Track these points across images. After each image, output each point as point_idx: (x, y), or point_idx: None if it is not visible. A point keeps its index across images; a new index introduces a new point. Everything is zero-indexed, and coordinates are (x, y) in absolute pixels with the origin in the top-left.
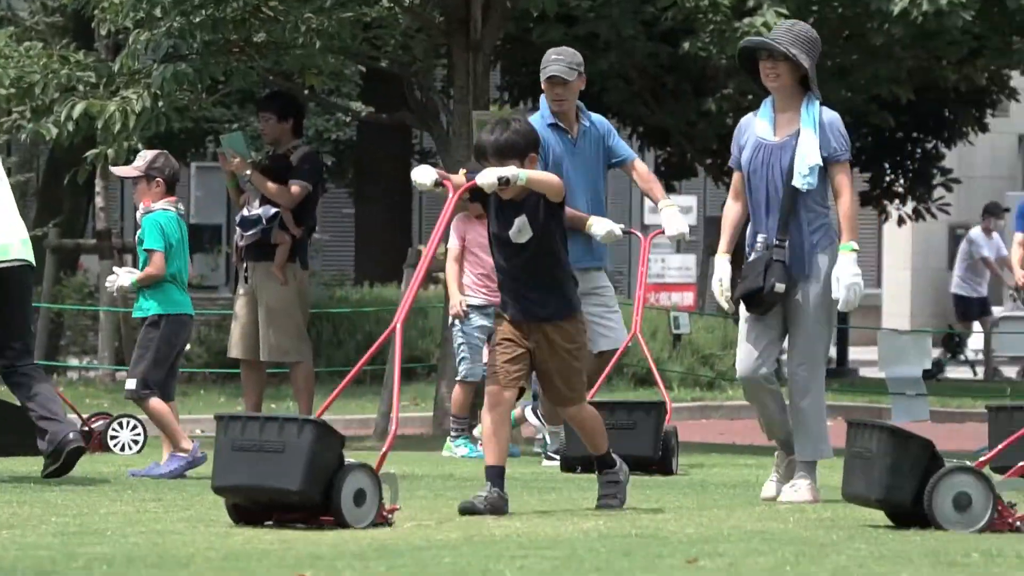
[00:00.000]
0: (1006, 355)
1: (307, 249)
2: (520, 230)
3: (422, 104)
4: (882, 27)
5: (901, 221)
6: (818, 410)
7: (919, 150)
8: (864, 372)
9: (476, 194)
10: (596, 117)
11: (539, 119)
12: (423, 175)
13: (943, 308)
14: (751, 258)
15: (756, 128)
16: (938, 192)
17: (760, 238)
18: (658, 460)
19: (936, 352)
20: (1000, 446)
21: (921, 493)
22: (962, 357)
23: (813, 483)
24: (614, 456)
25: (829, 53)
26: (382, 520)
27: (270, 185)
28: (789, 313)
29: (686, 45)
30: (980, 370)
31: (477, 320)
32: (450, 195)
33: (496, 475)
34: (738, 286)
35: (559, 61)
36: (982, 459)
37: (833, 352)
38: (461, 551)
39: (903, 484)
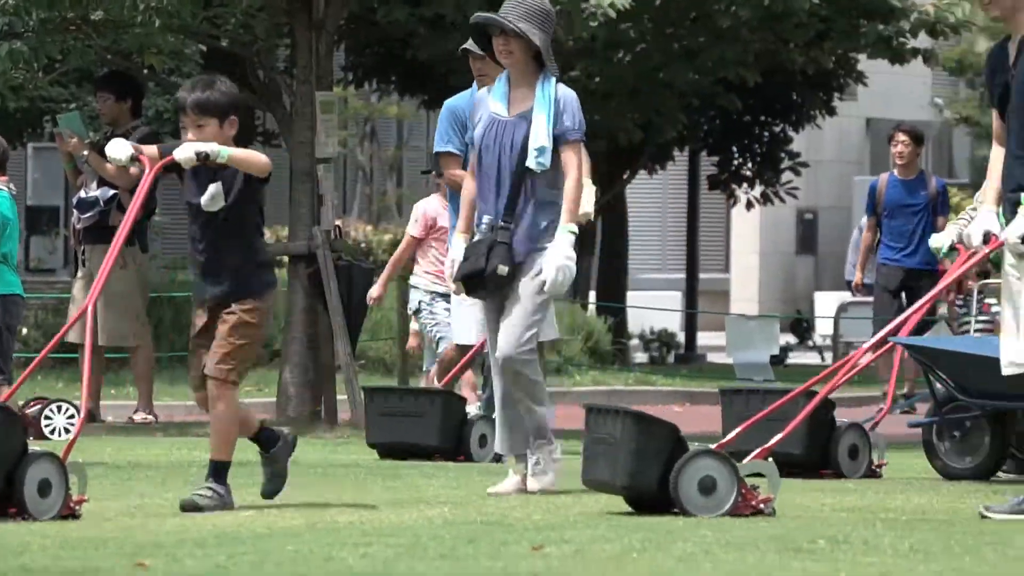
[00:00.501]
0: (853, 340)
1: (147, 232)
2: (213, 197)
3: (264, 84)
4: (729, 9)
5: (749, 205)
6: (540, 394)
7: (767, 133)
8: (712, 358)
9: (173, 166)
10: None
11: (468, 94)
12: (118, 150)
13: (791, 293)
14: (475, 239)
15: (490, 104)
16: (786, 176)
17: (486, 219)
18: (451, 449)
19: (784, 337)
20: (738, 429)
21: (666, 478)
22: (810, 342)
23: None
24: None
25: (676, 35)
26: (69, 512)
27: (108, 166)
28: (509, 296)
29: None
30: (828, 355)
31: (442, 303)
32: (147, 171)
33: (214, 471)
34: (459, 267)
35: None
36: (722, 441)
37: (681, 337)
38: (303, 538)
39: (648, 469)
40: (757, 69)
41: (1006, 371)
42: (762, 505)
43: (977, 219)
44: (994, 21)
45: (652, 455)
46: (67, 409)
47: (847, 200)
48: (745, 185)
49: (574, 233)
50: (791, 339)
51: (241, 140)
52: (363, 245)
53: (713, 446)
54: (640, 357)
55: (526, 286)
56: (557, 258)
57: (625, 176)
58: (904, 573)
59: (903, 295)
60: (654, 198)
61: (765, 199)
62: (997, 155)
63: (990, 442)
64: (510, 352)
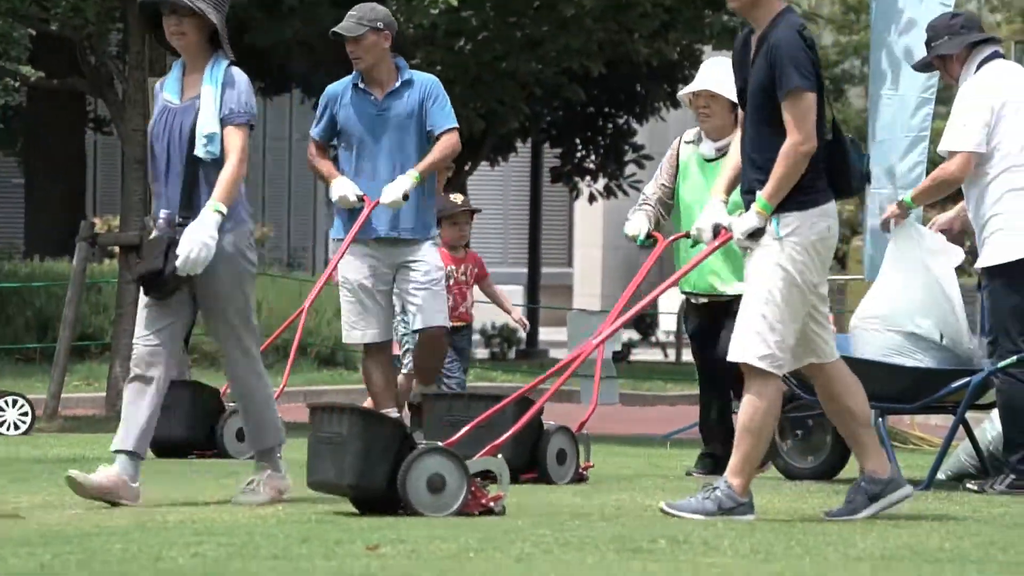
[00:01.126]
0: None
1: None
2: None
3: (96, 70)
4: None
5: (592, 198)
6: (266, 395)
7: (611, 125)
8: (554, 353)
9: None
10: (422, 78)
11: (347, 79)
12: None
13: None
14: (152, 235)
15: (163, 92)
16: (630, 169)
17: (163, 213)
18: (201, 442)
19: (626, 333)
20: (465, 429)
21: (395, 476)
22: (653, 339)
23: (276, 474)
24: None
25: (519, 24)
26: None
27: None
28: (200, 294)
29: None
30: (671, 351)
31: None
32: None
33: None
34: (136, 266)
35: (350, 17)
36: (450, 440)
37: (522, 333)
38: (132, 537)
39: (375, 468)
40: (601, 60)
41: (733, 357)
42: (492, 504)
43: (706, 212)
44: (732, 13)
45: (379, 454)
46: (20, 404)
47: None
48: (588, 178)
49: (221, 213)
50: (634, 335)
51: (78, 127)
52: None
53: (442, 444)
54: (481, 353)
55: (226, 282)
56: (197, 235)
57: (466, 167)
58: (744, 574)
59: None
60: (495, 190)
61: (608, 192)
62: (735, 146)
63: (832, 441)
64: (238, 347)
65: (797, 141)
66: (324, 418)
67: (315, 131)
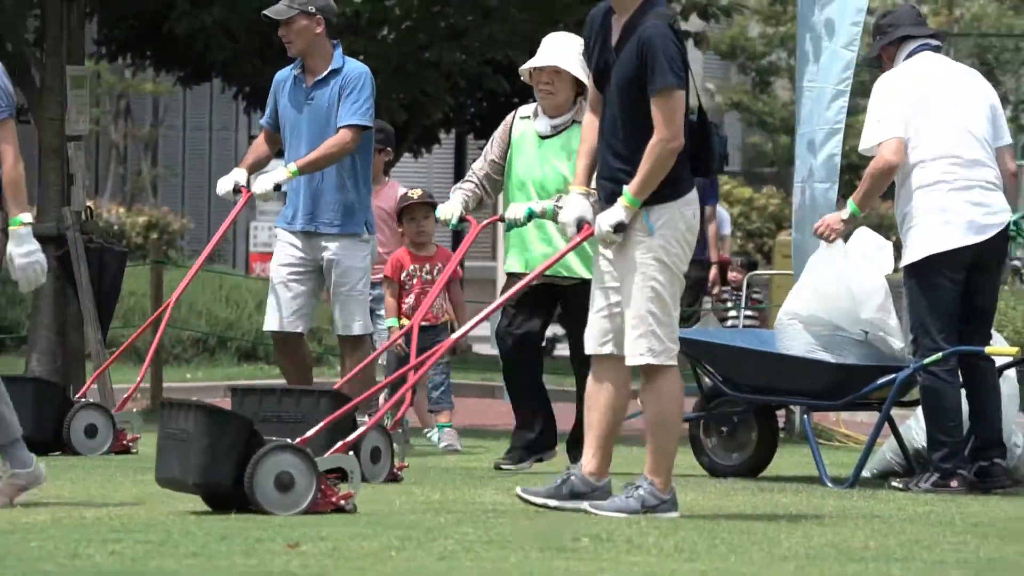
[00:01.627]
0: None
1: None
2: None
3: (12, 57)
4: None
5: None
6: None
7: None
8: (478, 348)
9: None
10: (349, 68)
11: (291, 66)
12: None
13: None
14: None
15: None
16: None
17: None
18: (47, 440)
19: (552, 328)
20: (320, 425)
21: (242, 474)
22: None
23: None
24: None
25: (443, 13)
26: None
27: None
28: None
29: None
30: None
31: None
32: None
33: None
34: None
35: (283, 0)
36: (303, 437)
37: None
38: (49, 534)
39: (221, 465)
40: (526, 50)
41: (631, 362)
42: (343, 501)
43: (568, 205)
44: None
45: (225, 451)
46: None
47: None
48: None
49: (25, 224)
50: (559, 330)
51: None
52: (116, 227)
53: (296, 441)
54: None
55: None
56: (18, 257)
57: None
58: (668, 572)
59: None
60: (418, 181)
61: None
62: (589, 129)
63: (757, 438)
64: None
65: (666, 138)
66: (170, 415)
67: (263, 118)
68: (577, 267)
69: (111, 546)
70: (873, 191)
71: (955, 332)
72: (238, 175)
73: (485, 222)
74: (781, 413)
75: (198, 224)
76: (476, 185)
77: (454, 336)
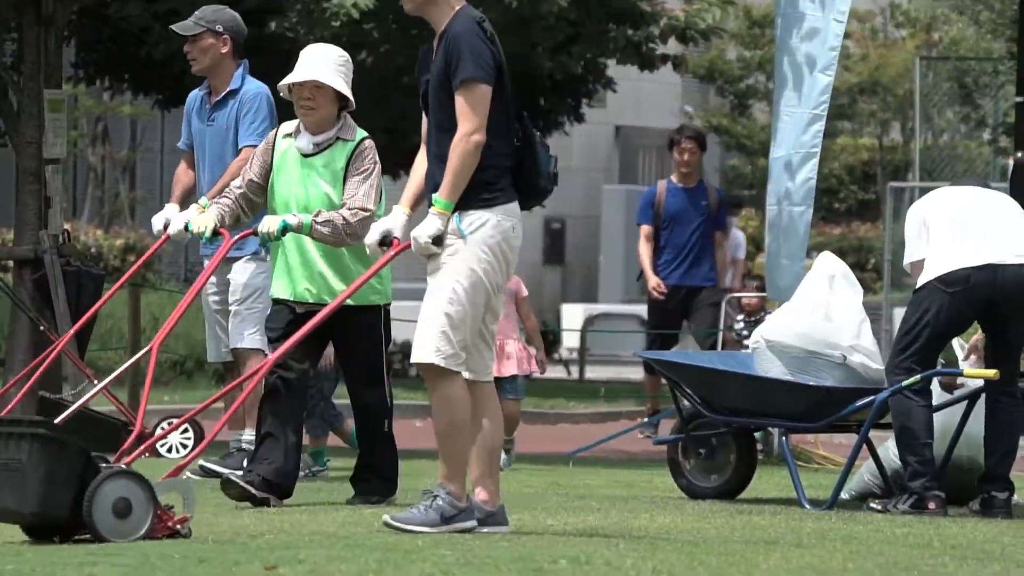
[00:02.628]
0: (600, 353)
1: None
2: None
3: None
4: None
5: None
6: None
7: None
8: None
9: None
10: (247, 88)
11: (201, 86)
12: None
13: (537, 305)
14: None
15: None
16: None
17: None
18: None
19: None
20: (147, 444)
21: (80, 502)
22: (556, 355)
23: None
24: None
25: (421, 37)
26: None
27: None
28: None
29: (272, 25)
30: (574, 369)
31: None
32: None
33: None
34: None
35: (193, 16)
36: (132, 455)
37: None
38: (25, 557)
39: (59, 494)
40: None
41: (416, 359)
42: (179, 526)
43: (382, 220)
44: (637, 27)
45: (62, 479)
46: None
47: (596, 209)
48: None
49: None
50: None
51: None
52: (93, 250)
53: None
54: None
55: None
56: None
57: None
58: None
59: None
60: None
61: None
62: (422, 156)
63: (736, 460)
64: None
65: (467, 131)
66: (3, 444)
67: (180, 141)
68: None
69: (87, 569)
70: None
71: (933, 358)
72: (160, 217)
73: (238, 236)
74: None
75: (176, 247)
76: (233, 202)
77: (272, 356)
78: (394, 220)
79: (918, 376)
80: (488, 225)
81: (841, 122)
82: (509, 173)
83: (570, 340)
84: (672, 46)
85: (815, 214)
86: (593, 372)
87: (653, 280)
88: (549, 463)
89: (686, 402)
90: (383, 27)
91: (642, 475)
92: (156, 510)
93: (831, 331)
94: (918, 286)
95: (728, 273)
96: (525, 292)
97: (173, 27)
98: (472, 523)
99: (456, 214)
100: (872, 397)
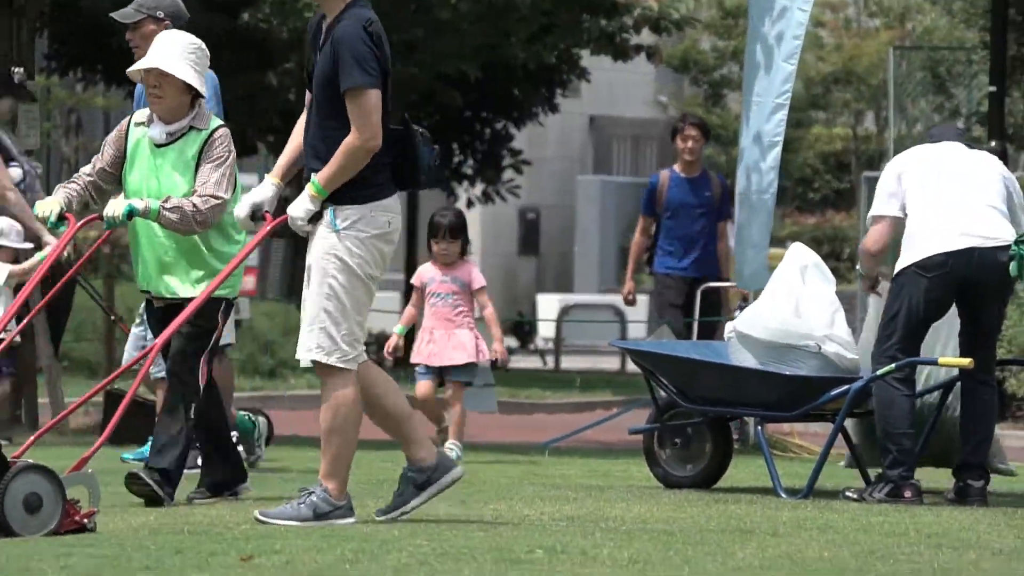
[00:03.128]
0: (576, 343)
1: None
2: None
3: None
4: (449, 2)
5: (470, 203)
6: None
7: (488, 130)
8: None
9: None
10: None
11: None
12: None
13: (513, 295)
14: None
15: None
16: (508, 174)
17: None
18: None
19: (505, 340)
20: (37, 435)
21: None
22: (532, 346)
23: None
24: None
25: (395, 28)
26: None
27: None
28: None
29: (245, 16)
30: (550, 359)
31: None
32: None
33: None
34: None
35: (132, 4)
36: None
37: (401, 342)
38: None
39: None
40: (477, 64)
41: (299, 356)
42: (85, 520)
43: (251, 191)
44: (610, 17)
45: None
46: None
47: (570, 199)
48: (466, 183)
49: None
50: (512, 342)
51: None
52: None
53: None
54: None
55: None
56: None
57: None
58: None
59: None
60: None
61: (486, 197)
62: (299, 129)
63: (712, 449)
64: None
65: (365, 137)
66: None
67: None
68: (177, 286)
69: (63, 560)
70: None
71: (916, 344)
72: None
73: (83, 220)
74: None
75: None
76: (82, 187)
77: (150, 352)
78: (264, 192)
79: (892, 365)
80: (361, 221)
81: (815, 112)
82: (387, 168)
83: (545, 330)
84: (646, 36)
85: (790, 204)
86: (569, 362)
87: (628, 286)
88: (525, 453)
89: (661, 392)
90: None
91: (618, 465)
92: (64, 504)
93: (803, 323)
94: (896, 271)
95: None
96: (480, 282)
97: (113, 15)
98: (350, 520)
99: (331, 209)
100: (847, 386)
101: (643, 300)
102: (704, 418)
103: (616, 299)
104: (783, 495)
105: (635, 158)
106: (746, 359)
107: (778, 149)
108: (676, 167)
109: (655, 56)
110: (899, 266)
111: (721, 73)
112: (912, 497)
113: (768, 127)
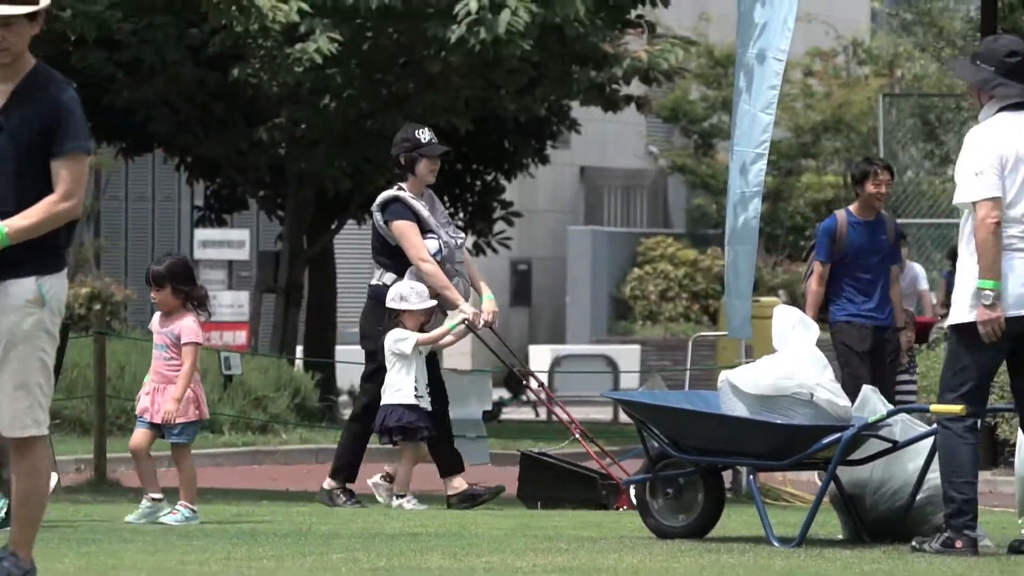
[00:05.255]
0: (568, 394)
1: None
2: None
3: None
4: (439, 55)
5: None
6: None
7: (479, 182)
8: None
9: None
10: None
11: None
12: None
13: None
14: None
15: None
16: (499, 226)
17: None
18: None
19: (497, 392)
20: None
21: None
22: (524, 397)
23: None
24: None
25: (384, 81)
26: None
27: None
28: None
29: (235, 71)
30: (542, 410)
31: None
32: None
33: None
34: None
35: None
36: None
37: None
38: None
39: None
40: (468, 116)
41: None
42: None
43: None
44: (600, 68)
45: None
46: None
47: (562, 250)
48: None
49: None
50: (505, 394)
51: None
52: None
53: None
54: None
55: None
56: None
57: (333, 226)
58: None
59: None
60: (364, 249)
61: (478, 249)
62: None
63: (704, 499)
64: None
65: (73, 202)
66: None
67: None
68: None
69: None
70: (988, 256)
71: (983, 394)
72: None
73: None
74: (728, 473)
75: (141, 295)
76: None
77: None
78: None
79: (883, 412)
80: (59, 289)
81: (806, 160)
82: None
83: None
84: (635, 87)
85: (781, 252)
86: (563, 412)
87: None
88: (518, 505)
89: (654, 442)
90: (346, 72)
91: (610, 515)
92: None
93: (794, 378)
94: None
95: (913, 306)
96: (188, 337)
97: None
98: None
99: (37, 280)
100: (839, 434)
101: (634, 349)
102: (696, 468)
103: (608, 349)
104: (776, 543)
105: (626, 208)
106: (737, 408)
107: (758, 200)
108: (853, 210)
109: (645, 107)
110: (961, 318)
111: (711, 123)
112: (963, 548)
113: (749, 177)
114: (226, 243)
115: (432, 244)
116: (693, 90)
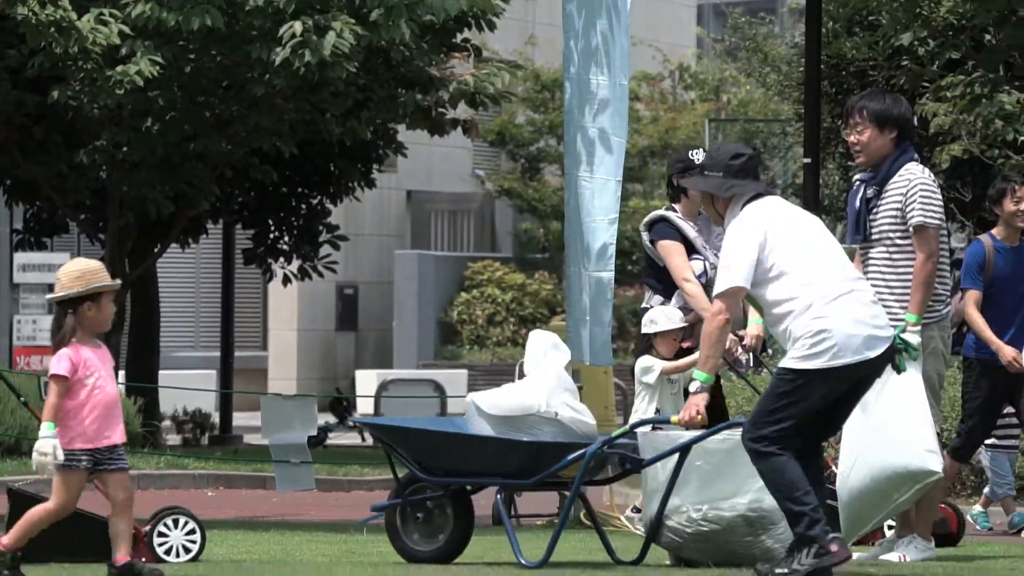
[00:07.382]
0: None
1: None
2: None
3: None
4: (263, 77)
5: (286, 280)
6: None
7: (304, 206)
8: (249, 439)
9: None
10: None
11: None
12: None
13: (331, 371)
14: None
15: None
16: (324, 250)
17: None
18: None
19: (323, 417)
20: None
21: None
22: (350, 422)
23: None
24: None
25: (208, 103)
26: None
27: None
28: None
29: (55, 93)
30: (368, 436)
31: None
32: None
33: None
34: None
35: None
36: None
37: (216, 418)
38: None
39: None
40: (293, 139)
41: None
42: None
43: None
44: (427, 92)
45: None
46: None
47: (388, 275)
48: (282, 259)
49: None
50: (331, 419)
51: None
52: None
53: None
54: (173, 439)
55: None
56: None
57: (156, 250)
58: None
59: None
60: (187, 273)
61: (303, 274)
62: None
63: (453, 522)
64: None
65: None
66: None
67: None
68: None
69: None
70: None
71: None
72: None
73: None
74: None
75: None
76: None
77: None
78: None
79: (626, 427)
80: None
81: (633, 185)
82: None
83: (364, 406)
84: (462, 111)
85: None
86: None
87: (1010, 352)
88: (343, 531)
89: (403, 466)
90: (168, 94)
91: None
92: None
93: (539, 396)
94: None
95: None
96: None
97: None
98: None
99: None
100: (583, 451)
101: (461, 374)
102: (444, 491)
103: (435, 374)
104: (522, 561)
105: (453, 232)
106: (484, 430)
107: (615, 227)
108: (997, 234)
109: (471, 131)
110: (807, 364)
111: (538, 147)
112: (839, 551)
113: (606, 203)
114: (47, 266)
115: (697, 265)
116: (520, 114)
